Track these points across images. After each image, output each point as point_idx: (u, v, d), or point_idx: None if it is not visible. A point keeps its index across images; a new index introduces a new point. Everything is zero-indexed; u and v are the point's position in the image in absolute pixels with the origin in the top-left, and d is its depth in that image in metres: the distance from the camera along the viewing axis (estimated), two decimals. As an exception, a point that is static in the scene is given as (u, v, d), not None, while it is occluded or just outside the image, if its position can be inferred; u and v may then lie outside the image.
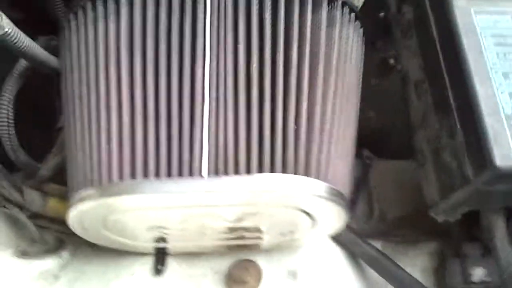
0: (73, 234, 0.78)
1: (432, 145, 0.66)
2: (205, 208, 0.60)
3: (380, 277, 0.77)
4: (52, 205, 0.79)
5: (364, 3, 0.81)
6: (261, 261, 0.75)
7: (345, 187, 0.62)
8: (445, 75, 0.62)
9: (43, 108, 0.90)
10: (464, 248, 0.80)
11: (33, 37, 0.73)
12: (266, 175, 0.56)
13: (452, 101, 0.61)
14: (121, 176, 0.57)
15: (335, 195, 0.59)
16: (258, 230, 0.67)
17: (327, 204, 0.59)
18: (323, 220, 0.64)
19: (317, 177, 0.58)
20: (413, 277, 0.75)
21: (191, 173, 0.56)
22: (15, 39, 0.68)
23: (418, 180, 0.78)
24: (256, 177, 0.56)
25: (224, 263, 0.75)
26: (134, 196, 0.56)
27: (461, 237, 0.82)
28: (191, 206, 0.59)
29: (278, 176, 0.56)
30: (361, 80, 0.70)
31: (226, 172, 0.56)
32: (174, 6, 0.59)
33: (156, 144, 0.57)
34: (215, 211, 0.61)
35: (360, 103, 0.72)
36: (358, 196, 0.87)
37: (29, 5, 0.89)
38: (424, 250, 0.86)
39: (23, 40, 0.70)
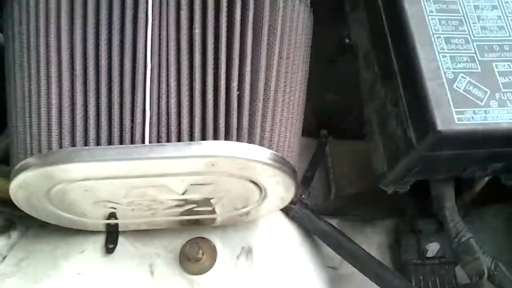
0: (25, 216, 0.77)
1: (379, 115, 0.66)
2: (148, 179, 0.59)
3: (336, 253, 0.77)
4: (1, 186, 0.77)
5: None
6: (215, 238, 0.74)
7: (291, 155, 0.62)
8: (389, 42, 0.62)
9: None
10: (419, 224, 0.81)
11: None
12: (209, 142, 0.56)
13: (395, 67, 0.61)
14: (60, 145, 0.56)
15: (280, 162, 0.59)
16: (207, 203, 0.67)
17: (272, 171, 0.59)
18: (271, 189, 0.63)
19: (261, 144, 0.58)
20: (367, 252, 0.75)
21: (132, 141, 0.56)
22: None
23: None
24: (198, 143, 0.55)
25: (177, 242, 0.74)
26: (74, 165, 0.55)
27: (416, 213, 0.83)
28: (133, 176, 0.58)
29: (221, 143, 0.56)
30: (309, 53, 0.70)
31: (168, 140, 0.56)
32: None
33: (97, 111, 0.56)
34: (160, 182, 0.60)
35: (318, 84, 0.72)
36: (314, 173, 0.87)
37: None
38: (380, 227, 0.87)
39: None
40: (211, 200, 0.66)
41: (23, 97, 0.59)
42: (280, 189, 0.63)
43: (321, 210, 0.83)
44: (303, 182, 0.83)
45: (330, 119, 0.97)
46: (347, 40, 0.92)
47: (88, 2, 0.57)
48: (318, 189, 0.90)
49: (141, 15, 0.57)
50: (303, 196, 0.79)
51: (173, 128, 0.56)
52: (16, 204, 0.64)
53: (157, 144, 0.56)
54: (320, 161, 0.90)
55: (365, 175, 0.88)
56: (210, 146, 0.55)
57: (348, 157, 0.93)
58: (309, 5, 0.67)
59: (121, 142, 0.55)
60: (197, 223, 0.73)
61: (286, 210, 0.78)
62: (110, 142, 0.55)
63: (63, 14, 0.57)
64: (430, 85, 0.57)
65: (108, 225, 0.71)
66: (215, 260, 0.73)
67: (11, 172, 0.59)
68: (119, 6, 0.57)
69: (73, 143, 0.56)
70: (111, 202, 0.64)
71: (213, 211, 0.69)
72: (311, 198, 0.83)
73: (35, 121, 0.57)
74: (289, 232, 0.78)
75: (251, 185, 0.62)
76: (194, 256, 0.71)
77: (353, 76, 0.90)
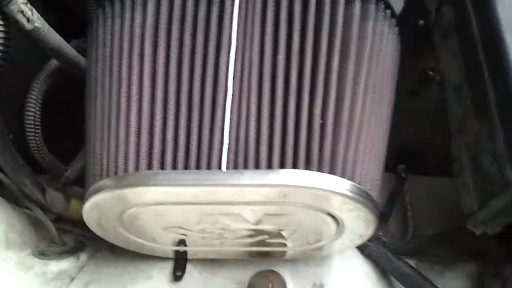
0: (94, 238, 0.77)
1: (470, 150, 0.61)
2: (222, 206, 0.57)
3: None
4: (74, 206, 0.78)
5: (403, 11, 0.79)
6: (285, 272, 0.71)
7: (374, 190, 0.58)
8: (486, 75, 0.57)
9: (71, 113, 0.90)
10: (505, 268, 0.74)
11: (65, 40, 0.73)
12: (288, 171, 0.53)
13: (492, 101, 0.56)
14: (137, 167, 0.55)
15: (362, 196, 0.55)
16: (279, 235, 0.64)
17: (353, 205, 0.55)
18: (349, 224, 0.60)
19: (343, 175, 0.54)
20: (449, 297, 0.69)
21: (209, 166, 0.54)
22: (45, 35, 0.68)
23: (455, 198, 0.74)
24: (277, 172, 0.53)
25: (246, 274, 0.71)
26: (149, 188, 0.54)
27: (501, 257, 0.76)
28: (208, 202, 0.56)
29: (301, 172, 0.53)
30: (396, 84, 0.66)
31: (246, 167, 0.54)
32: (201, -3, 0.57)
33: (175, 135, 0.55)
34: (234, 210, 0.58)
35: (399, 117, 0.69)
36: (391, 210, 0.83)
37: (61, 8, 0.90)
38: (460, 271, 0.81)
39: (53, 37, 0.70)
40: (284, 232, 0.63)
41: (102, 119, 0.59)
42: (360, 224, 0.59)
43: (398, 250, 0.78)
44: (380, 219, 0.79)
45: (409, 153, 0.92)
46: (430, 73, 0.89)
47: (172, 28, 0.57)
48: (394, 227, 0.85)
49: (224, 41, 0.56)
50: (379, 233, 0.75)
51: (251, 155, 0.54)
52: (87, 224, 0.63)
53: (234, 170, 0.53)
54: (397, 198, 0.85)
55: (446, 214, 0.83)
56: (289, 175, 0.53)
57: (427, 194, 0.88)
58: (397, 34, 0.64)
59: (198, 167, 0.54)
60: (266, 255, 0.70)
61: (361, 247, 0.73)
62: (186, 167, 0.54)
63: (147, 39, 0.57)
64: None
65: (176, 252, 0.70)
66: (284, 295, 0.69)
67: (86, 192, 0.59)
68: (203, 31, 0.56)
69: (149, 167, 0.55)
70: (183, 228, 0.63)
71: (284, 244, 0.66)
72: (387, 236, 0.78)
73: (113, 143, 0.57)
74: (364, 271, 0.73)
75: (329, 219, 0.59)
76: (263, 289, 0.68)
77: (436, 109, 0.86)
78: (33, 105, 0.77)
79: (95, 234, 0.74)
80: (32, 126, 0.78)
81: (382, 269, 0.75)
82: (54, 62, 0.80)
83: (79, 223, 0.81)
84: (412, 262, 0.77)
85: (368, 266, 0.74)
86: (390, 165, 0.88)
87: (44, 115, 0.80)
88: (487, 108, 0.57)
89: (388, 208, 0.82)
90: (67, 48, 0.74)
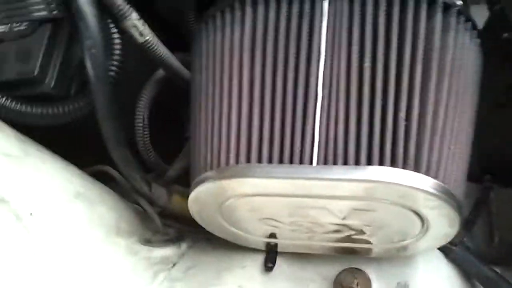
0: (193, 231, 0.85)
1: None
2: (312, 200, 0.62)
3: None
4: (175, 201, 0.87)
5: (487, 24, 0.81)
6: (370, 270, 0.74)
7: (457, 189, 0.61)
8: None
9: (173, 117, 0.99)
10: None
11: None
12: (375, 168, 0.57)
13: None
14: (237, 161, 0.61)
15: (445, 193, 0.58)
16: (365, 232, 0.68)
17: (437, 202, 0.58)
18: (433, 222, 0.62)
19: (427, 174, 0.58)
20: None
21: (301, 162, 0.59)
22: (154, 47, 0.78)
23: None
24: (364, 168, 0.57)
25: (332, 270, 0.75)
26: (247, 180, 0.60)
27: None
28: (298, 195, 0.62)
29: (387, 169, 0.57)
30: (481, 96, 0.69)
31: (335, 163, 0.59)
32: (293, 12, 0.63)
33: (270, 133, 0.61)
34: (323, 204, 0.63)
35: (484, 129, 0.71)
36: (476, 219, 0.84)
37: (166, 26, 1.00)
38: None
39: (161, 49, 0.79)
40: (369, 229, 0.67)
41: (206, 120, 0.66)
42: (444, 222, 0.62)
43: (483, 256, 0.78)
44: (465, 227, 0.80)
45: (494, 165, 0.93)
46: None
47: (267, 40, 0.63)
48: (480, 236, 0.86)
49: (314, 51, 0.61)
50: (465, 239, 0.76)
51: (340, 152, 0.59)
52: (191, 213, 0.71)
53: (324, 165, 0.59)
54: (483, 207, 0.86)
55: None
56: (376, 171, 0.57)
57: (514, 206, 0.88)
58: (479, 45, 0.67)
59: (291, 162, 0.60)
60: (352, 252, 0.74)
61: (446, 251, 0.75)
62: (281, 161, 0.60)
63: (245, 50, 0.64)
64: None
65: (268, 244, 0.76)
66: (368, 292, 0.72)
67: (191, 183, 0.66)
68: (295, 42, 0.62)
69: (248, 160, 0.61)
70: (275, 220, 0.68)
71: (369, 241, 0.70)
72: (473, 243, 0.79)
73: (216, 140, 0.64)
74: (448, 274, 0.75)
75: (414, 216, 0.62)
76: (349, 286, 0.71)
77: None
78: (142, 110, 0.87)
79: (194, 227, 0.82)
80: (141, 128, 0.88)
81: (466, 274, 0.76)
82: (160, 73, 0.90)
83: (180, 218, 0.89)
84: (497, 270, 0.78)
85: (453, 270, 0.75)
86: (476, 176, 0.88)
87: (151, 119, 0.89)
88: None
89: (473, 216, 0.83)
90: (173, 60, 0.83)
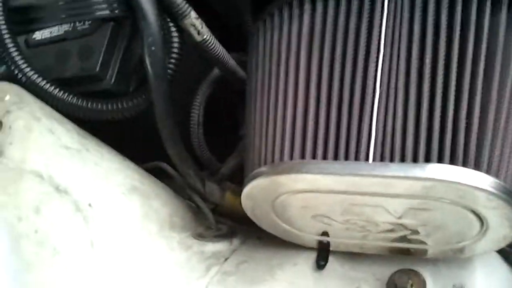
0: (244, 229, 0.86)
1: None
2: (367, 197, 0.61)
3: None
4: (228, 198, 0.88)
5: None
6: (425, 272, 0.72)
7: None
8: None
9: (228, 116, 1.01)
10: None
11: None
12: (434, 165, 0.56)
13: None
14: (291, 157, 0.62)
15: (507, 194, 0.56)
16: (421, 232, 0.66)
17: (497, 202, 0.56)
18: (493, 224, 0.61)
19: (488, 173, 0.56)
20: None
21: (356, 158, 0.59)
22: (211, 45, 0.79)
23: None
24: (422, 165, 0.56)
25: (386, 270, 0.73)
26: (301, 176, 0.60)
27: None
28: (353, 192, 0.61)
29: (446, 167, 0.56)
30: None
31: (392, 160, 0.58)
32: (352, 9, 0.63)
33: (326, 129, 0.61)
34: (378, 202, 0.62)
35: None
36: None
37: (223, 26, 1.02)
38: None
39: (218, 48, 0.81)
40: (426, 229, 0.66)
41: (261, 116, 0.67)
42: (504, 224, 0.60)
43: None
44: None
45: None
46: None
47: (325, 37, 0.63)
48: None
49: (373, 46, 0.60)
50: (524, 242, 0.74)
51: (397, 149, 0.58)
52: (244, 209, 0.72)
53: (380, 162, 0.58)
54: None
55: None
56: (435, 169, 0.56)
57: None
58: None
59: (346, 158, 0.59)
60: (407, 253, 0.72)
61: (505, 254, 0.73)
62: (336, 158, 0.60)
63: (302, 47, 0.64)
64: None
65: (320, 242, 0.75)
66: (423, 294, 0.71)
67: (245, 179, 0.67)
68: (353, 40, 0.62)
69: (302, 156, 0.61)
70: (328, 217, 0.68)
71: (425, 242, 0.69)
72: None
73: (271, 136, 0.65)
74: (507, 278, 0.72)
75: (472, 216, 0.60)
76: (403, 287, 0.70)
77: None
78: (197, 108, 0.89)
79: (245, 225, 0.83)
80: (196, 126, 0.89)
81: (526, 278, 0.73)
82: (215, 72, 0.91)
83: (231, 215, 0.90)
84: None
85: (511, 273, 0.73)
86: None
87: (206, 117, 0.91)
88: None
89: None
90: (229, 59, 0.84)
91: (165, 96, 0.74)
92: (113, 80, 0.79)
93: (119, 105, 0.79)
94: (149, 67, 0.72)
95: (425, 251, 0.71)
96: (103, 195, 0.76)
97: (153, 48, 0.72)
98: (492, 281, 0.71)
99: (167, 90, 0.75)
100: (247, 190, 0.66)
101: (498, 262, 0.73)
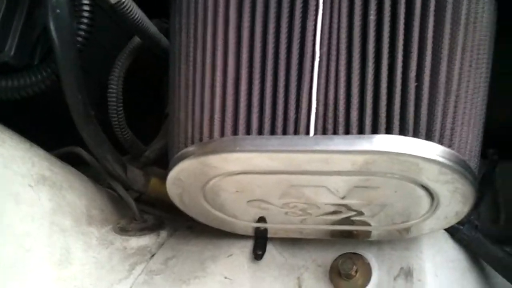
0: (173, 218, 0.78)
1: None
2: (309, 176, 0.55)
3: (509, 284, 0.66)
4: (153, 184, 0.79)
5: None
6: (370, 255, 0.67)
7: (472, 161, 0.54)
8: None
9: (152, 92, 0.91)
10: None
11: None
12: (381, 136, 0.50)
13: None
14: (222, 133, 0.54)
15: (461, 166, 0.51)
16: (365, 212, 0.61)
17: (451, 175, 0.51)
18: (445, 199, 0.56)
19: (441, 142, 0.51)
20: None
21: (296, 132, 0.52)
22: (128, 9, 0.69)
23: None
24: (369, 137, 0.50)
25: (328, 256, 0.68)
26: (234, 154, 0.53)
27: None
28: (293, 171, 0.54)
29: (395, 137, 0.50)
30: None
31: (335, 132, 0.51)
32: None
33: (261, 100, 0.54)
34: (320, 182, 0.56)
35: (489, 98, 0.64)
36: (483, 195, 0.77)
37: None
38: None
39: (136, 12, 0.71)
40: (371, 209, 0.60)
41: (187, 87, 0.59)
42: (457, 199, 0.55)
43: (491, 235, 0.72)
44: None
45: (498, 137, 0.87)
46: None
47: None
48: (485, 213, 0.80)
49: (311, 6, 0.54)
50: (471, 217, 0.70)
51: (341, 120, 0.52)
52: (170, 197, 0.64)
53: (323, 136, 0.51)
54: (489, 182, 0.80)
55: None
56: (383, 140, 0.50)
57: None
58: (494, 2, 0.60)
59: (285, 132, 0.52)
60: (349, 235, 0.67)
61: (452, 231, 0.69)
62: (272, 132, 0.53)
63: (231, 4, 0.56)
64: None
65: (257, 229, 0.69)
66: (369, 279, 0.65)
67: (170, 161, 0.59)
68: (289, -7, 0.54)
69: (235, 132, 0.54)
70: (265, 202, 0.61)
71: (369, 223, 0.63)
72: (479, 221, 0.73)
73: (198, 110, 0.56)
74: (455, 257, 0.68)
75: (422, 192, 0.55)
76: (347, 273, 0.65)
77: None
78: (115, 83, 0.79)
79: (173, 214, 0.75)
80: (115, 104, 0.79)
81: (474, 255, 0.70)
82: (135, 41, 0.81)
83: (158, 203, 0.82)
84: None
85: (460, 251, 0.69)
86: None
87: (126, 94, 0.81)
88: None
89: (480, 193, 0.76)
90: (149, 25, 0.75)
91: (74, 68, 0.64)
92: (12, 52, 0.68)
93: (21, 81, 0.68)
94: (53, 33, 0.62)
95: (368, 233, 0.66)
96: (3, 188, 0.64)
97: (58, 11, 0.61)
98: (441, 260, 0.67)
99: (76, 61, 0.64)
100: (172, 174, 0.58)
101: (446, 240, 0.69)
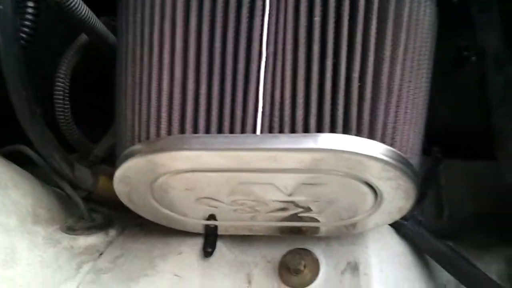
0: (122, 216, 0.77)
1: (514, 119, 0.59)
2: (256, 174, 0.55)
3: (452, 277, 0.69)
4: (102, 183, 0.78)
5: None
6: (318, 250, 0.69)
7: (414, 158, 0.56)
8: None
9: (100, 90, 0.90)
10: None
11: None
12: (326, 135, 0.51)
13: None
14: (169, 132, 0.53)
15: (403, 163, 0.53)
16: (313, 209, 0.62)
17: (393, 172, 0.53)
18: (388, 195, 0.57)
19: (383, 141, 0.52)
20: (491, 278, 0.66)
21: (243, 130, 0.52)
22: (74, 6, 0.68)
23: (492, 182, 0.71)
24: (314, 136, 0.51)
25: (277, 252, 0.69)
26: (181, 153, 0.53)
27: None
28: (241, 169, 0.55)
29: (339, 136, 0.51)
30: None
31: (281, 131, 0.52)
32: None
33: (208, 99, 0.54)
34: (268, 179, 0.56)
35: (431, 98, 0.66)
36: (426, 192, 0.80)
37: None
38: (500, 255, 0.77)
39: (82, 9, 0.70)
40: (318, 205, 0.61)
41: (133, 85, 0.58)
42: (400, 195, 0.57)
43: (434, 230, 0.75)
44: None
45: (442, 136, 0.90)
46: (465, 53, 0.85)
47: (204, -10, 0.55)
48: (429, 209, 0.82)
49: (258, 3, 0.54)
50: (415, 213, 0.72)
51: (287, 119, 0.52)
52: (118, 195, 0.63)
53: (269, 134, 0.52)
54: (433, 179, 0.82)
55: (482, 198, 0.80)
56: (327, 139, 0.51)
57: (462, 177, 0.85)
58: (435, 2, 0.62)
59: (232, 131, 0.53)
60: (298, 232, 0.68)
61: (397, 227, 0.71)
62: (220, 131, 0.53)
63: (179, 3, 0.56)
64: None
65: (207, 227, 0.69)
66: (317, 274, 0.67)
67: (117, 160, 0.58)
68: (235, -4, 0.54)
69: (182, 131, 0.53)
70: (214, 199, 0.61)
71: (317, 219, 0.64)
72: (422, 217, 0.75)
73: (145, 108, 0.56)
74: (400, 251, 0.70)
75: (366, 189, 0.57)
76: (295, 268, 0.66)
77: (470, 91, 0.83)
78: (62, 80, 0.77)
79: (123, 212, 0.73)
80: (61, 101, 0.78)
81: (418, 250, 0.72)
82: (82, 38, 0.80)
83: (107, 202, 0.80)
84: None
85: (404, 246, 0.71)
86: (424, 147, 0.85)
87: (73, 91, 0.79)
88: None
89: (424, 189, 0.79)
90: (96, 22, 0.73)
91: (17, 63, 0.62)
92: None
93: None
94: (-5, 28, 0.60)
95: (316, 229, 0.67)
96: None
97: (1, 7, 0.60)
98: (386, 255, 0.69)
99: (19, 57, 0.62)
100: (120, 172, 0.57)
101: (391, 235, 0.71)
